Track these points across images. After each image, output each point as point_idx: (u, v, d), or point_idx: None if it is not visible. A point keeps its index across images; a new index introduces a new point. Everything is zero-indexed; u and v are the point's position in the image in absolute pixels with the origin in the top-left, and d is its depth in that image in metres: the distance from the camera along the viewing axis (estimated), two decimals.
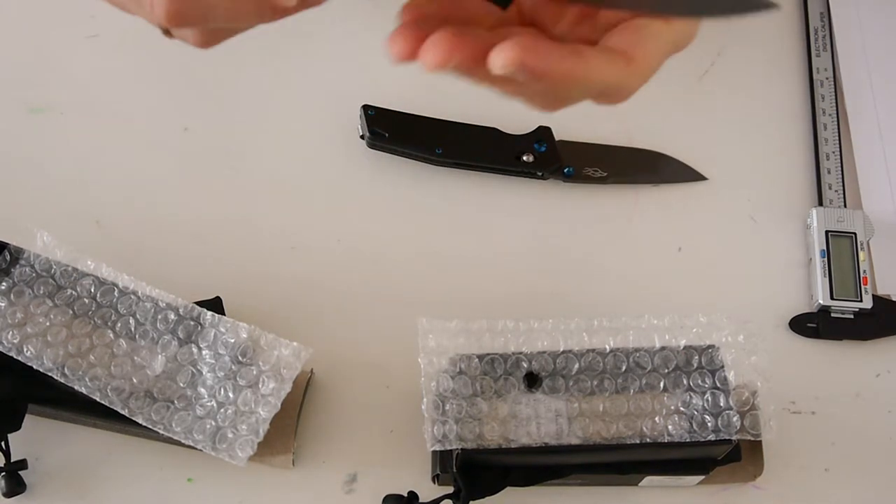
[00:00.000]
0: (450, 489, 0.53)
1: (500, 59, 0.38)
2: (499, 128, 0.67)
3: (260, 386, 0.54)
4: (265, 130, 0.68)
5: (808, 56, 0.74)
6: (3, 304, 0.55)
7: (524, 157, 0.66)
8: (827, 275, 0.64)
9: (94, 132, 0.68)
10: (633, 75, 0.42)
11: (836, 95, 0.72)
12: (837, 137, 0.70)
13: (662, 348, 0.55)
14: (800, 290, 0.65)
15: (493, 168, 0.67)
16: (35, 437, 0.57)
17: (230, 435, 0.53)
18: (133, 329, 0.56)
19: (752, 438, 0.53)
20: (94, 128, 0.68)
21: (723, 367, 0.54)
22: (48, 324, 0.55)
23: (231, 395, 0.54)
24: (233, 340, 0.55)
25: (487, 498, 0.54)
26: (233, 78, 0.70)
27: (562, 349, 0.54)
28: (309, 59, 0.71)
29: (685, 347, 0.54)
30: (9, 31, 0.72)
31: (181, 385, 0.55)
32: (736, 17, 0.40)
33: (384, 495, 0.55)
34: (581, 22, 0.44)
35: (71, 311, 0.56)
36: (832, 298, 0.64)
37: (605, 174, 0.67)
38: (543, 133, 0.66)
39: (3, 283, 0.56)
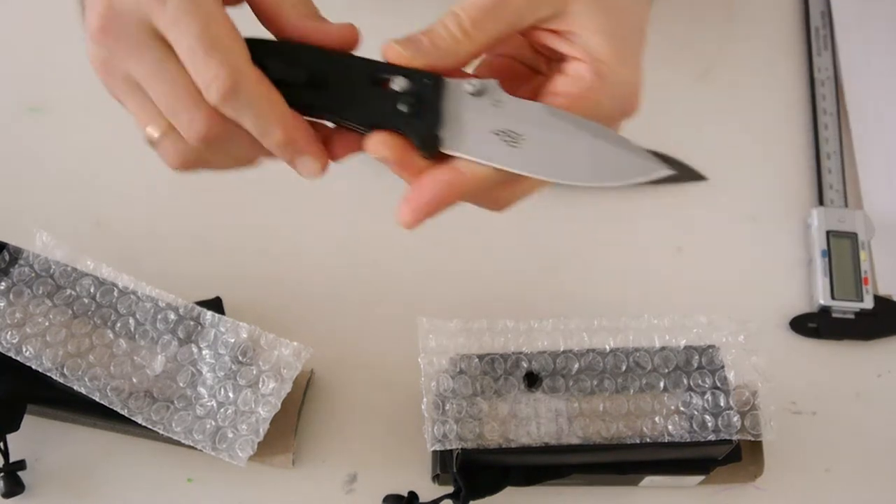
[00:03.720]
0: (450, 489, 0.53)
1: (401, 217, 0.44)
2: None
3: (260, 386, 0.54)
4: None
5: (808, 55, 0.74)
6: (2, 304, 0.55)
7: None
8: (828, 275, 0.64)
9: (94, 132, 0.68)
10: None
11: (836, 95, 0.72)
12: (838, 137, 0.70)
13: (662, 348, 0.54)
14: (800, 290, 0.65)
15: None
16: (34, 438, 0.57)
17: (230, 435, 0.53)
18: (133, 329, 0.56)
19: (753, 438, 0.53)
20: (94, 127, 0.68)
21: (723, 367, 0.54)
22: (47, 324, 0.55)
23: (231, 394, 0.54)
24: (233, 340, 0.55)
25: (487, 498, 0.54)
26: None
27: (562, 349, 0.54)
28: None
29: (685, 347, 0.54)
30: (9, 30, 0.72)
31: (181, 385, 0.55)
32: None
33: (384, 495, 0.55)
34: None
35: (70, 311, 0.56)
36: (833, 298, 0.64)
37: None
38: None
39: (3, 283, 0.56)
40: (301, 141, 0.43)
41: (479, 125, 0.43)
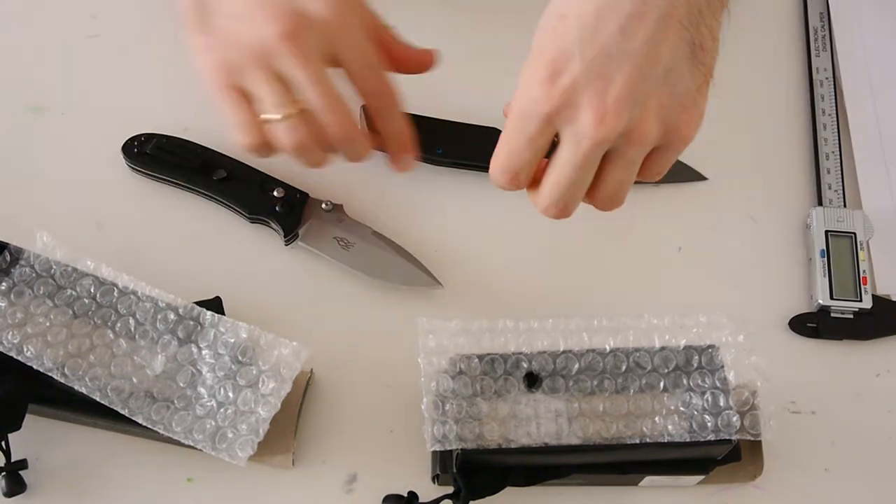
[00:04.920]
0: (450, 489, 0.53)
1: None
2: (498, 128, 0.67)
3: (260, 386, 0.54)
4: None
5: (807, 56, 0.74)
6: (3, 305, 0.55)
7: None
8: (827, 275, 0.64)
9: (94, 131, 0.68)
10: None
11: (835, 95, 0.72)
12: (837, 137, 0.70)
13: (662, 348, 0.55)
14: (800, 290, 0.65)
15: None
16: (35, 437, 0.57)
17: (230, 435, 0.53)
18: (133, 329, 0.56)
19: (752, 438, 0.53)
20: (94, 127, 0.68)
21: (723, 366, 0.54)
22: (48, 324, 0.55)
23: (231, 394, 0.54)
24: (232, 340, 0.55)
25: (487, 498, 0.54)
26: None
27: (562, 349, 0.54)
28: None
29: (685, 347, 0.54)
30: (9, 30, 0.72)
31: (181, 385, 0.55)
32: None
33: (384, 495, 0.55)
34: None
35: (71, 312, 0.56)
36: (832, 298, 0.64)
37: None
38: None
39: (4, 284, 0.56)
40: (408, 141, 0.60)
41: (325, 231, 0.64)
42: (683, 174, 0.68)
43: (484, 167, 0.67)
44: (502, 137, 0.53)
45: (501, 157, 0.53)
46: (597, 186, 0.53)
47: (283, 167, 0.65)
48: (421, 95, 0.68)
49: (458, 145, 0.66)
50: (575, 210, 0.54)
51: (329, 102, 0.55)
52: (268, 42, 0.53)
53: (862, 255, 0.65)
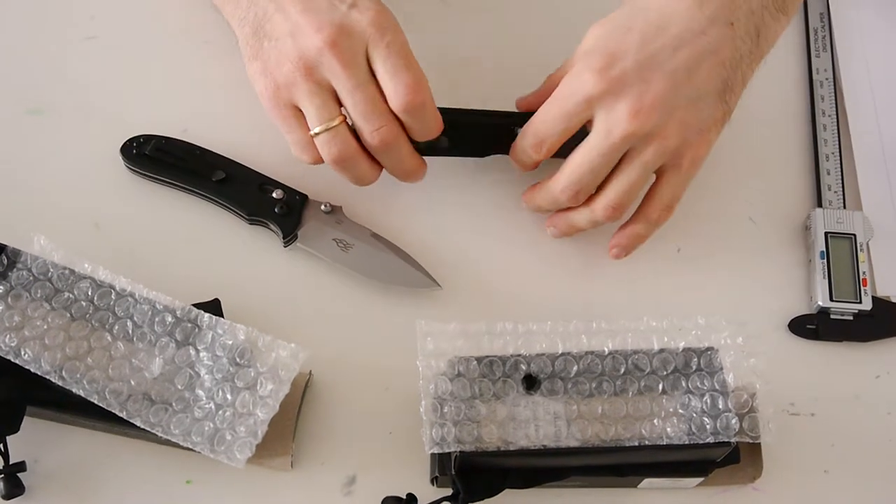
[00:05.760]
0: (448, 491, 0.53)
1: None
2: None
3: (258, 388, 0.54)
4: (262, 132, 0.68)
5: (807, 56, 0.74)
6: (0, 308, 0.55)
7: None
8: (826, 276, 0.64)
9: (93, 134, 0.68)
10: None
11: (835, 96, 0.72)
12: (837, 138, 0.70)
13: (661, 350, 0.54)
14: (799, 292, 0.65)
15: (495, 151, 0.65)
16: (34, 440, 0.57)
17: (228, 437, 0.53)
18: (131, 332, 0.56)
19: (751, 440, 0.53)
20: (93, 130, 0.68)
21: (722, 369, 0.54)
22: (46, 327, 0.55)
23: (229, 396, 0.54)
24: (230, 342, 0.55)
25: (486, 500, 0.54)
26: (235, 76, 0.69)
27: (560, 351, 0.54)
28: None
29: (684, 349, 0.54)
30: (8, 32, 0.72)
31: (179, 387, 0.55)
32: None
33: (383, 497, 0.55)
34: None
35: (68, 314, 0.56)
36: (832, 300, 0.64)
37: None
38: None
39: (1, 287, 0.56)
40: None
41: (324, 233, 0.63)
42: None
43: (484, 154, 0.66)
44: (540, 109, 0.58)
45: (535, 124, 0.58)
46: (605, 187, 0.58)
47: (282, 169, 0.65)
48: None
49: (463, 132, 0.64)
50: (584, 199, 0.60)
51: (369, 108, 0.55)
52: (312, 53, 0.55)
53: (862, 256, 0.65)
